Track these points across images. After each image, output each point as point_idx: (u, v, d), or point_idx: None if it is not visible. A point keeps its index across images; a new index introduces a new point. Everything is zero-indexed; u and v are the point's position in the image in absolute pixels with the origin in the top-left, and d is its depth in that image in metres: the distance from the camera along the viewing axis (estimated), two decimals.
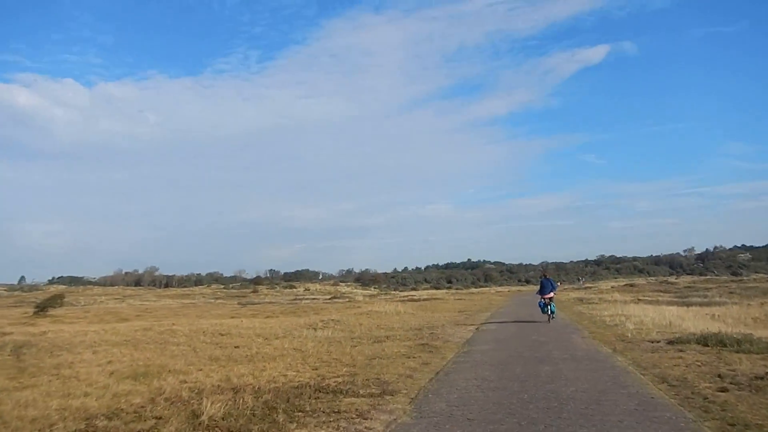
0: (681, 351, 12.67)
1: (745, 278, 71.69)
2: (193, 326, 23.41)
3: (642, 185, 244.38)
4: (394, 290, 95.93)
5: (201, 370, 12.89)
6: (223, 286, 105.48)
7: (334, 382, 10.81)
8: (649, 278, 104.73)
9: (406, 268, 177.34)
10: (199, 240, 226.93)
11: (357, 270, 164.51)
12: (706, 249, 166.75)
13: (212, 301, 67.61)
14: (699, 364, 10.94)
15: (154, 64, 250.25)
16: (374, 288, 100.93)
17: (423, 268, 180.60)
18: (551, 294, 22.86)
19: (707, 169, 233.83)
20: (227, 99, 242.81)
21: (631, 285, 69.68)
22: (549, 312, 22.62)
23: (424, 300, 51.85)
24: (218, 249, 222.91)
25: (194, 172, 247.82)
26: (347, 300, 56.28)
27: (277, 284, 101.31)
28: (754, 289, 47.51)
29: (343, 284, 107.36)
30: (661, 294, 48.64)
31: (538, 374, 10.56)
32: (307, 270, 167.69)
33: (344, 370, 12.17)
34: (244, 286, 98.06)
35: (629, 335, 16.32)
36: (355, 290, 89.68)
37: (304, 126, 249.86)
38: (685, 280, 77.79)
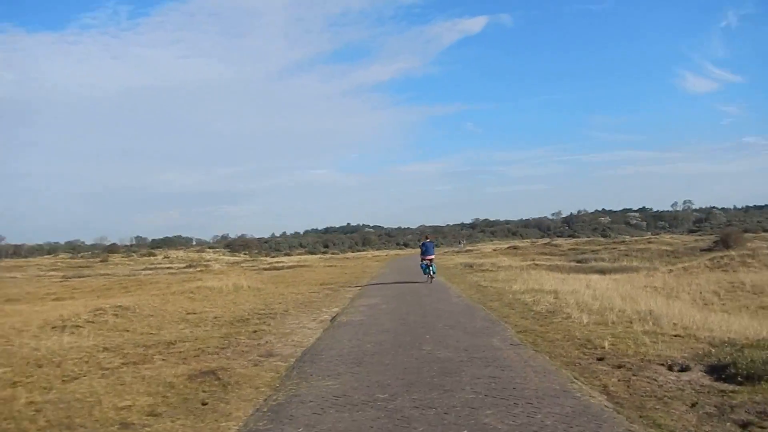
0: None
1: (626, 240, 69.04)
2: None
3: (515, 153, 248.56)
4: (266, 256, 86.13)
5: None
6: (70, 256, 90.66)
7: None
8: (524, 240, 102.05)
9: (284, 233, 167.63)
10: (64, 207, 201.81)
11: (233, 236, 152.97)
12: (571, 213, 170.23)
13: (41, 273, 54.72)
14: None
15: (7, 16, 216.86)
16: (244, 254, 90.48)
17: (302, 233, 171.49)
18: (432, 256, 22.98)
19: (574, 139, 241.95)
20: (95, 57, 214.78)
21: (515, 248, 63.96)
22: (431, 273, 22.66)
23: (289, 268, 43.02)
24: (84, 216, 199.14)
25: (60, 135, 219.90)
26: (200, 269, 46.19)
27: (135, 252, 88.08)
28: (646, 251, 42.62)
29: (210, 251, 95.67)
30: (550, 257, 42.74)
31: None
32: (180, 236, 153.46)
33: None
34: (95, 255, 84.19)
35: (604, 344, 8.35)
36: (221, 257, 78.96)
37: (182, 87, 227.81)
38: (567, 242, 74.08)
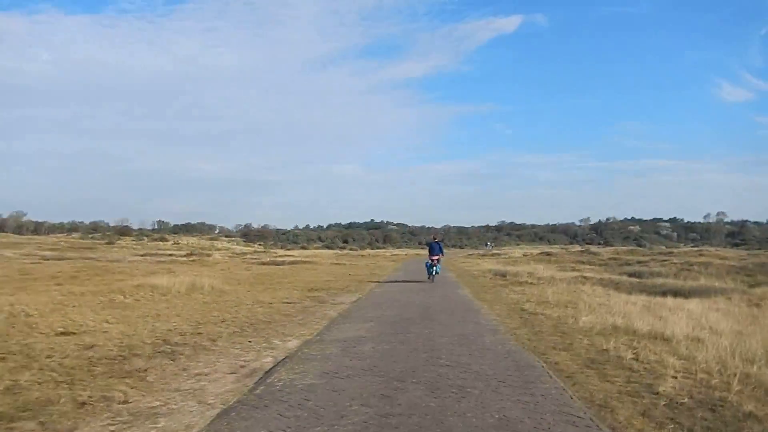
0: None
1: (674, 251, 61.12)
2: None
3: (544, 156, 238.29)
4: (281, 248, 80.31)
5: None
6: (80, 236, 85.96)
7: None
8: (553, 246, 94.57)
9: (307, 226, 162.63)
10: (92, 187, 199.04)
11: (256, 226, 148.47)
12: (599, 220, 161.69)
13: (33, 253, 49.56)
14: None
15: None
16: (258, 245, 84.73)
17: (325, 227, 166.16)
18: (438, 256, 22.80)
19: (603, 145, 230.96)
20: (130, 41, 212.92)
21: (548, 254, 56.39)
22: (434, 272, 22.52)
23: (291, 263, 36.84)
24: (112, 198, 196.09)
25: (91, 116, 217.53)
26: (194, 260, 40.27)
27: (146, 236, 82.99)
28: (708, 266, 34.47)
29: (225, 239, 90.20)
30: (593, 267, 35.33)
31: None
32: (203, 223, 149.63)
33: None
34: (104, 237, 79.23)
35: None
36: (232, 246, 73.32)
37: (214, 76, 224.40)
38: (604, 250, 66.32)
